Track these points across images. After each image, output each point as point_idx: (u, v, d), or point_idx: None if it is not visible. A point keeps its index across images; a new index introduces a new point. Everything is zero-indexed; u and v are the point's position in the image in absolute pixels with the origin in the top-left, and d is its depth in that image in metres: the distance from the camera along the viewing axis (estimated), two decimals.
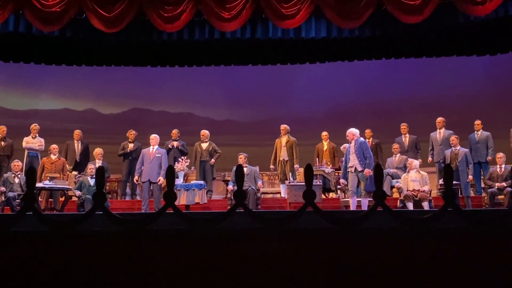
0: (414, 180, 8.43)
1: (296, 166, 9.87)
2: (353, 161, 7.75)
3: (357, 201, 7.76)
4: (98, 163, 9.56)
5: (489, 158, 9.19)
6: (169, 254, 2.52)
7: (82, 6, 8.83)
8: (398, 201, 8.47)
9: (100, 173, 2.70)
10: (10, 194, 8.52)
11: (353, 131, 8.03)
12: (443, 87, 12.77)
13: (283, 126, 10.27)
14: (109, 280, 2.46)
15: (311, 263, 2.48)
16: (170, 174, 2.65)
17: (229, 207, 8.42)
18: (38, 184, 8.30)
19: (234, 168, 8.40)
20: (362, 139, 8.07)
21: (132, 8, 8.87)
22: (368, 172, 7.50)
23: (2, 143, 9.98)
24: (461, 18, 9.24)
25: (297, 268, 2.47)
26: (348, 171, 7.87)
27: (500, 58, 11.25)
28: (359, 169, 7.69)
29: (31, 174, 2.65)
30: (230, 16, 8.79)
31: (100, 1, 8.79)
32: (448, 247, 2.51)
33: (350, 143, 7.96)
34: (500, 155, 8.71)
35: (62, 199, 8.92)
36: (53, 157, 9.47)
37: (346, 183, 8.10)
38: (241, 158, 9.41)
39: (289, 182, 9.05)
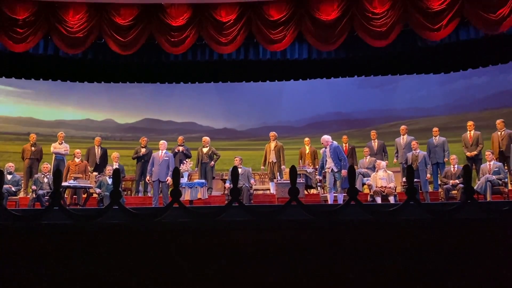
0: (382, 178, 8.46)
1: (283, 167, 9.88)
2: (330, 164, 7.75)
3: (334, 196, 7.77)
4: (115, 165, 9.51)
5: (446, 159, 9.23)
6: (176, 241, 2.51)
7: (101, 32, 8.83)
8: (369, 196, 8.48)
9: (117, 174, 2.69)
10: (40, 192, 8.44)
11: (326, 138, 7.92)
12: (406, 100, 12.87)
13: (272, 133, 10.28)
14: (124, 264, 2.45)
15: (295, 248, 2.49)
16: (176, 175, 2.65)
17: (226, 202, 8.39)
18: (64, 183, 8.24)
19: (231, 169, 8.39)
20: (335, 143, 7.99)
21: (143, 34, 8.86)
22: (345, 172, 7.50)
23: (33, 148, 9.91)
24: (420, 42, 9.34)
25: (284, 252, 2.48)
26: (326, 171, 7.88)
27: (452, 75, 11.40)
28: (335, 170, 7.70)
29: (57, 175, 2.64)
30: (227, 40, 8.82)
31: (117, 28, 8.78)
32: (410, 234, 2.53)
33: (326, 148, 7.90)
34: (453, 156, 8.75)
35: (85, 195, 8.85)
36: (77, 160, 9.41)
37: (321, 178, 8.23)
38: (236, 160, 9.39)
39: (277, 181, 9.03)
